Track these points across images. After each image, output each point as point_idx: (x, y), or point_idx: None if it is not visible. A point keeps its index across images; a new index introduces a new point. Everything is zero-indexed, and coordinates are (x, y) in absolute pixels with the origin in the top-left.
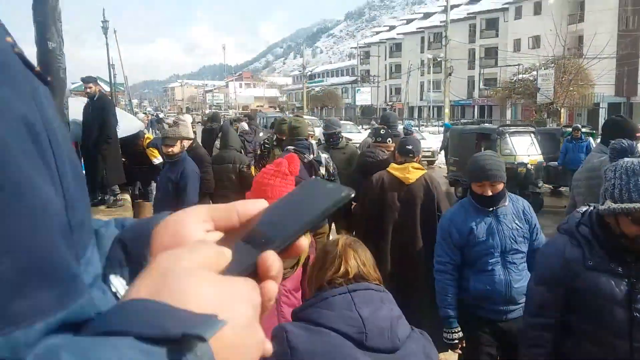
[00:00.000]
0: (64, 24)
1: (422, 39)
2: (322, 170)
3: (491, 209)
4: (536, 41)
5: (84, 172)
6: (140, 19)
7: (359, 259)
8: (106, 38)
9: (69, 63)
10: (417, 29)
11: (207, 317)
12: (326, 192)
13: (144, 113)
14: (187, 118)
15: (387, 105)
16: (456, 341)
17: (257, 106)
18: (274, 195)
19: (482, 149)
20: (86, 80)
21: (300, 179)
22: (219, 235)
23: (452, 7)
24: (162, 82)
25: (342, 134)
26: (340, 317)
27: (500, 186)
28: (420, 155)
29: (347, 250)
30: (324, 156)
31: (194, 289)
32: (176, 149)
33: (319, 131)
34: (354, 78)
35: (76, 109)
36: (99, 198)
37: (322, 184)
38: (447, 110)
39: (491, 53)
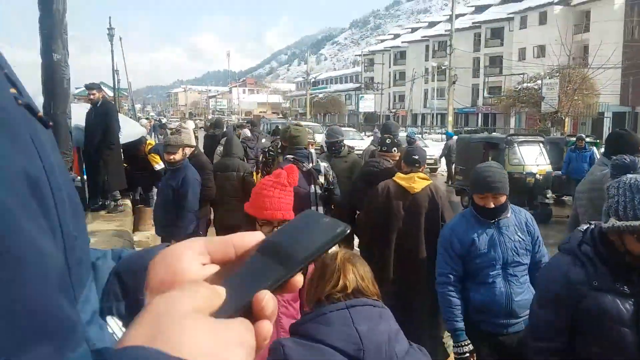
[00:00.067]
0: (71, 31)
1: (427, 47)
2: (321, 179)
3: (493, 220)
4: (541, 50)
5: (87, 174)
6: (146, 26)
7: (358, 273)
8: (112, 45)
9: (74, 68)
10: (421, 37)
11: None
12: (322, 228)
13: (146, 118)
14: (190, 124)
15: (391, 112)
16: (467, 355)
17: (260, 112)
18: (272, 206)
19: (490, 158)
20: (90, 86)
21: (299, 188)
22: (215, 268)
23: (457, 16)
24: (165, 87)
25: (345, 141)
26: (337, 333)
27: (503, 198)
28: (425, 165)
29: (345, 265)
30: (323, 165)
31: (188, 335)
32: (178, 156)
33: (321, 137)
34: (357, 85)
35: (79, 114)
36: (100, 203)
37: (318, 218)
38: (450, 119)
39: (496, 62)
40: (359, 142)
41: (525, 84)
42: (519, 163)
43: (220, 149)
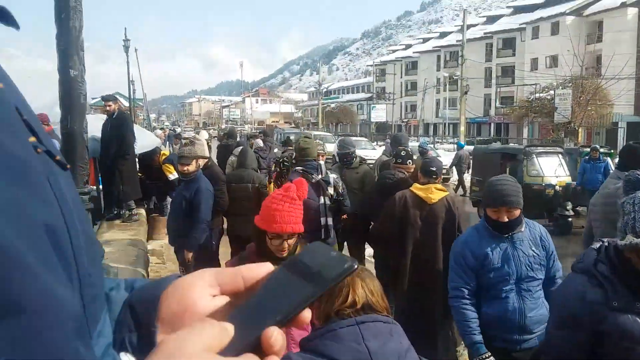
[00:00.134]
0: (87, 42)
1: (438, 57)
2: (331, 190)
3: (507, 235)
4: (553, 60)
5: (103, 184)
6: (161, 37)
7: (367, 288)
8: (127, 56)
9: (89, 77)
10: (433, 47)
11: None
12: (330, 263)
13: (161, 128)
14: (203, 135)
15: (402, 122)
16: None
17: (273, 121)
18: (282, 220)
19: (508, 169)
20: (106, 98)
21: (309, 199)
22: (225, 299)
23: (469, 26)
24: (180, 97)
25: (357, 151)
26: (347, 350)
27: (517, 212)
28: (441, 176)
29: (354, 280)
30: (332, 176)
31: None
32: (192, 167)
33: (333, 147)
34: (369, 95)
35: (95, 125)
36: (115, 212)
37: (326, 251)
38: (462, 128)
39: (508, 72)
40: (371, 152)
41: (537, 94)
42: (538, 174)
43: (232, 159)
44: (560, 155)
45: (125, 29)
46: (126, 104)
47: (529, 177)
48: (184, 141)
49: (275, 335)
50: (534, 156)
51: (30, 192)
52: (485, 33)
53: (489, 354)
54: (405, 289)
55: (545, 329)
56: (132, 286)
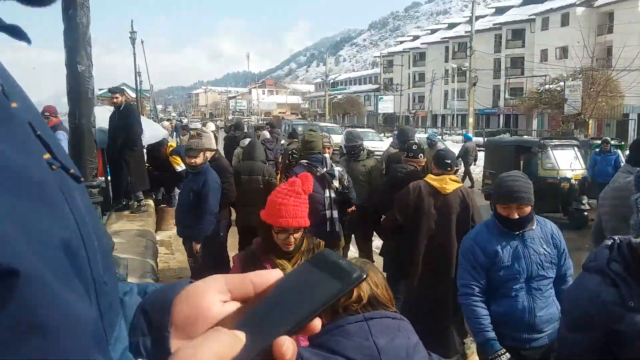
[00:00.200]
0: (94, 33)
1: (447, 48)
2: (336, 183)
3: (517, 232)
4: (563, 52)
5: (111, 176)
6: (168, 28)
7: (371, 281)
8: (134, 48)
9: (96, 69)
10: (441, 38)
11: None
12: (339, 271)
13: (167, 120)
14: (210, 127)
15: (410, 113)
16: None
17: (280, 112)
18: (288, 214)
19: (522, 162)
20: (113, 90)
21: (314, 193)
22: (236, 305)
23: (477, 17)
24: (186, 88)
25: (364, 143)
26: (356, 346)
27: (528, 209)
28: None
29: None
30: (337, 169)
31: None
32: (199, 160)
33: (339, 138)
34: (376, 86)
35: (102, 117)
36: (124, 203)
37: (336, 259)
38: (471, 120)
39: (517, 63)
40: (378, 144)
41: (547, 86)
42: (553, 168)
43: (238, 150)
44: (576, 148)
45: (132, 21)
46: (133, 95)
47: (544, 171)
48: (191, 132)
49: (286, 345)
50: (549, 149)
51: (47, 211)
52: (494, 24)
53: (504, 350)
54: (418, 278)
55: (556, 329)
56: (145, 291)
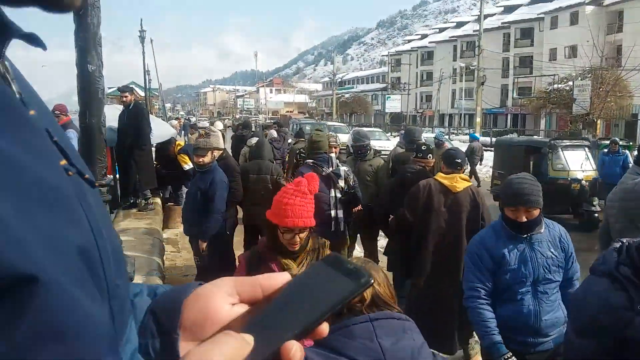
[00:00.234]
0: (104, 32)
1: (455, 47)
2: (341, 183)
3: (525, 235)
4: (572, 51)
5: (119, 174)
6: (177, 27)
7: (374, 279)
8: (143, 47)
9: (106, 67)
10: (449, 37)
11: None
12: (346, 276)
13: (176, 118)
14: (218, 125)
15: (418, 112)
16: None
17: (287, 111)
18: (294, 214)
19: (532, 163)
20: (123, 89)
21: (320, 192)
22: (244, 308)
23: (486, 16)
24: (195, 86)
25: (371, 142)
26: (360, 347)
27: (536, 212)
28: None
29: None
30: (343, 169)
31: None
32: (207, 159)
33: (346, 137)
34: (384, 85)
35: (111, 115)
36: (131, 201)
37: (343, 264)
38: (478, 119)
39: (526, 62)
40: (385, 143)
41: (556, 85)
42: (564, 168)
43: (245, 149)
44: (586, 149)
45: (142, 19)
46: (142, 94)
47: (554, 171)
48: (200, 131)
49: (295, 349)
50: (560, 149)
51: (64, 217)
52: (502, 23)
53: (511, 354)
54: (425, 276)
55: (562, 334)
56: (154, 292)
